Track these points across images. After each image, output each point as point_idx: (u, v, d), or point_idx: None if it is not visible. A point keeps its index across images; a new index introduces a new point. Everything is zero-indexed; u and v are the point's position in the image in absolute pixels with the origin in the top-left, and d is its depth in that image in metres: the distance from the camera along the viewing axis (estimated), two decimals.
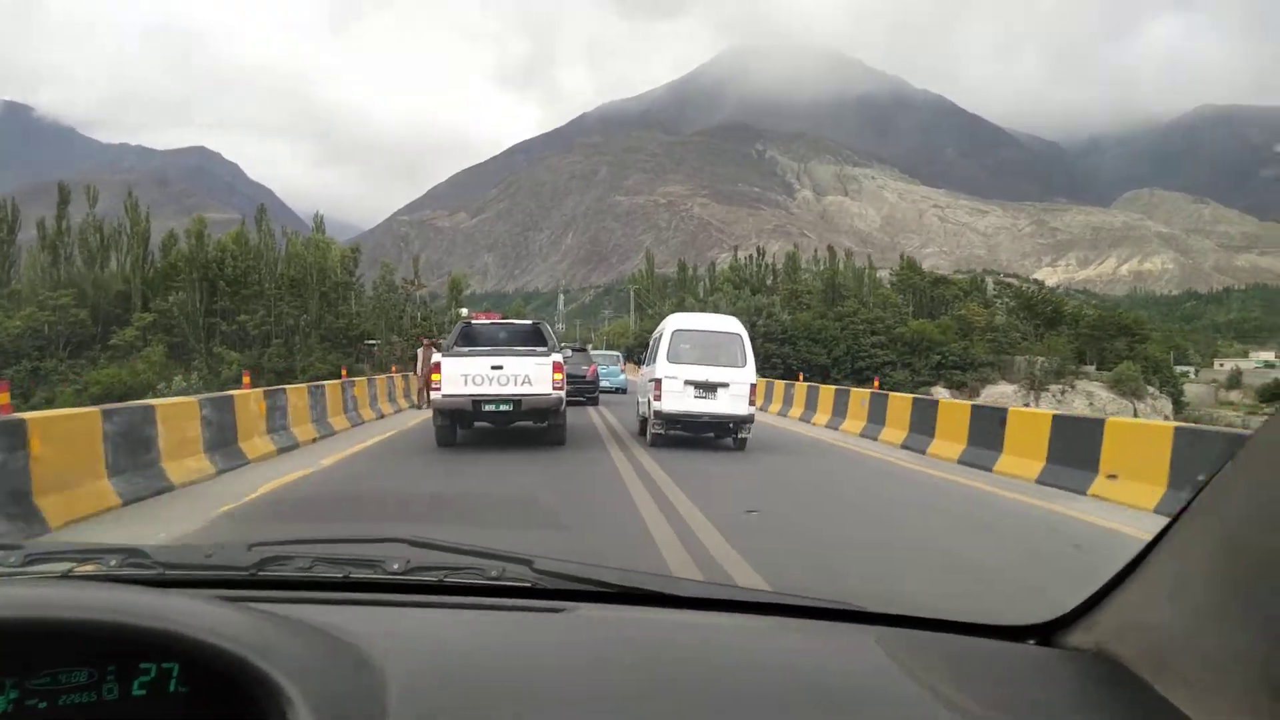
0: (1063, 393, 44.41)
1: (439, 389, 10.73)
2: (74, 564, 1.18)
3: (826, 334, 47.41)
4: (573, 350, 21.42)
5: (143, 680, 0.74)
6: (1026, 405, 35.03)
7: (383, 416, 16.52)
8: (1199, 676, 0.80)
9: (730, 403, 11.53)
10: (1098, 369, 49.40)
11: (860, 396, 16.65)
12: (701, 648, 1.07)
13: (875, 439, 14.52)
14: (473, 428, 12.16)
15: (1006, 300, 58.76)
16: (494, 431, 12.56)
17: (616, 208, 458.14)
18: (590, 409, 19.46)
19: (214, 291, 40.68)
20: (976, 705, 0.88)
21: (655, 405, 11.70)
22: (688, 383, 11.57)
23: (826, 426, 16.90)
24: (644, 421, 12.83)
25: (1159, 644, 0.87)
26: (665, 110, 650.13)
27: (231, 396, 9.98)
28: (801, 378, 27.23)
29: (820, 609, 1.23)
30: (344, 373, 17.90)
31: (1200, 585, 0.82)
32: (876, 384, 26.26)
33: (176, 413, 8.49)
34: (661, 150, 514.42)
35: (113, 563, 1.17)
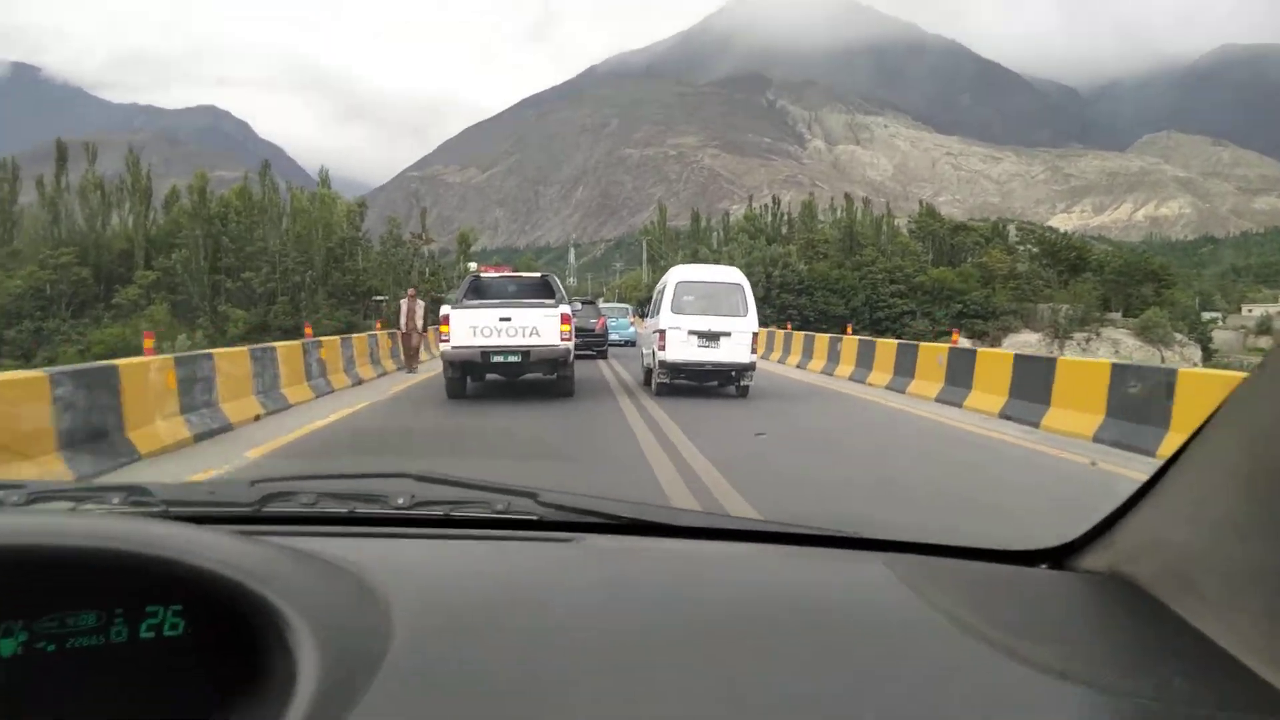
0: (1087, 341, 43.20)
1: (448, 340, 10.74)
2: (76, 502, 1.17)
3: (844, 284, 46.18)
4: (581, 304, 21.09)
5: (150, 623, 0.74)
6: (1051, 355, 34.03)
7: (360, 383, 14.45)
8: (1218, 594, 0.79)
9: (732, 351, 11.84)
10: (1124, 316, 48.09)
11: (850, 344, 17.66)
12: (710, 576, 1.07)
13: (863, 381, 15.46)
14: (484, 380, 12.15)
15: (1029, 247, 57.06)
16: (503, 385, 12.49)
17: (627, 160, 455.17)
18: (599, 362, 19.37)
19: (218, 248, 39.86)
20: (990, 628, 0.87)
21: (659, 355, 11.97)
22: (691, 332, 11.79)
23: (844, 377, 16.88)
24: (649, 372, 13.08)
25: (1176, 563, 0.87)
26: (675, 61, 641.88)
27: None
28: (789, 327, 27.27)
29: (828, 537, 1.23)
30: (308, 331, 15.99)
31: (1219, 502, 0.81)
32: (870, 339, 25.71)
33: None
34: (672, 101, 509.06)
35: (115, 500, 1.16)
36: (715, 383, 12.59)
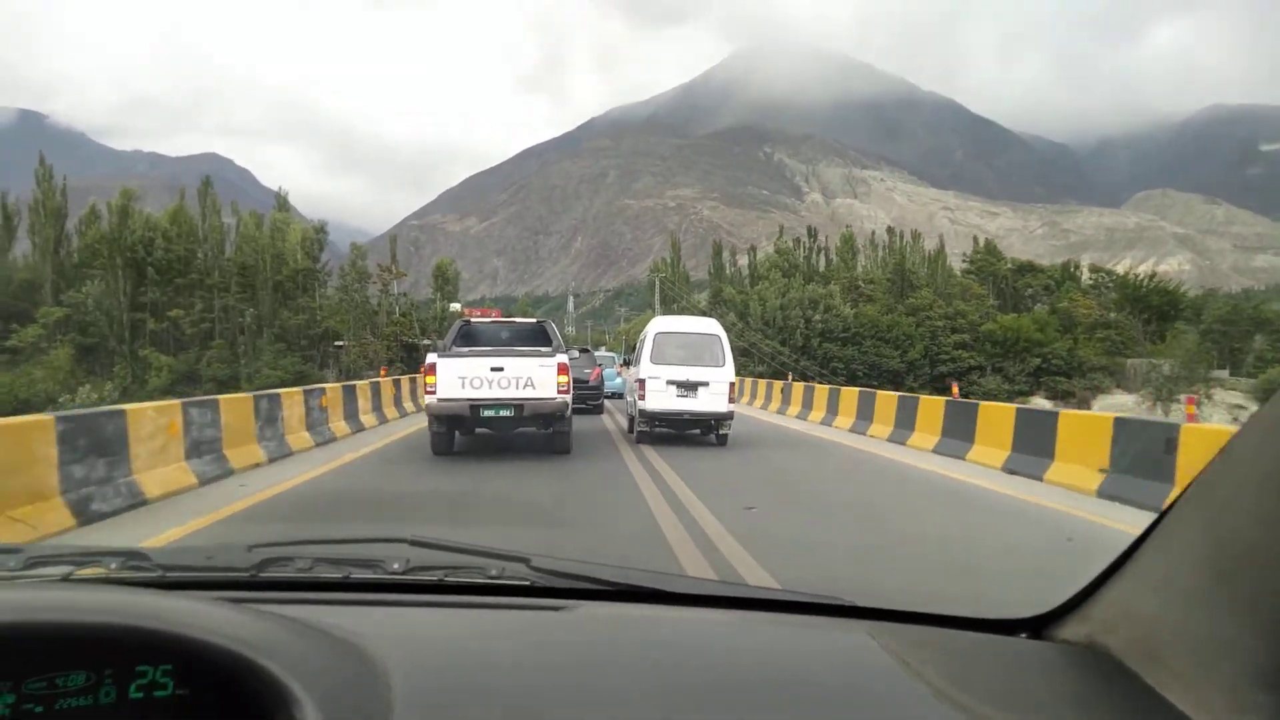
0: (1197, 405, 35.59)
1: (434, 392, 10.07)
2: (73, 567, 1.19)
3: (898, 332, 38.71)
4: (577, 352, 19.17)
5: (140, 683, 0.74)
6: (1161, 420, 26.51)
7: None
8: (1188, 668, 0.80)
9: (710, 400, 12.14)
10: (1230, 373, 40.40)
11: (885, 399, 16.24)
12: (698, 643, 1.09)
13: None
14: (473, 434, 11.52)
15: (1105, 291, 49.58)
16: (494, 438, 11.81)
17: (626, 211, 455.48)
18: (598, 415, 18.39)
19: (141, 280, 32.56)
20: (970, 698, 0.89)
21: (640, 404, 12.29)
22: (670, 382, 12.14)
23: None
24: (632, 420, 13.28)
25: (1149, 636, 0.88)
26: (674, 114, 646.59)
27: None
28: (790, 378, 25.87)
29: (814, 604, 1.26)
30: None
31: (1189, 577, 0.83)
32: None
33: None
34: (670, 153, 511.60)
35: (113, 565, 1.19)
36: (697, 431, 12.82)
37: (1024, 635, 1.10)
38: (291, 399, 11.45)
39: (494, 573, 1.26)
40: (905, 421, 14.04)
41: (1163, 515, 0.89)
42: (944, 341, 38.92)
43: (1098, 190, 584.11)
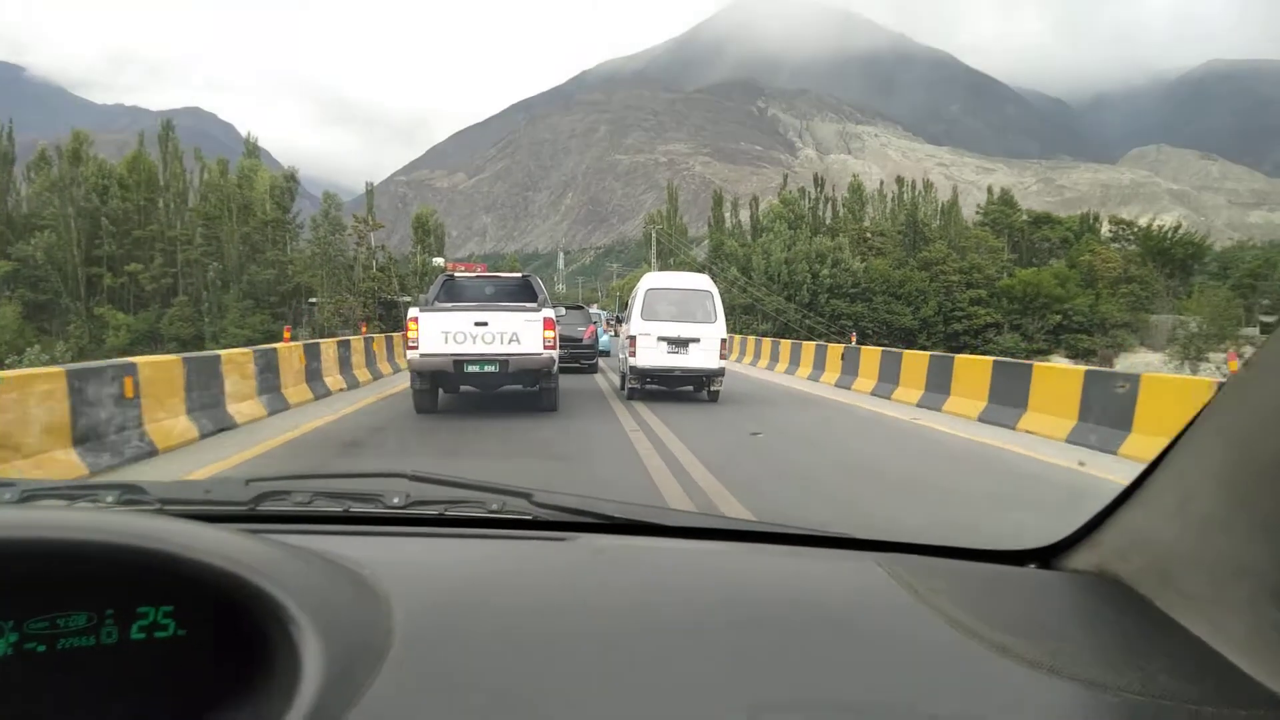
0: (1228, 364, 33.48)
1: (415, 347, 9.82)
2: (69, 500, 1.19)
3: (911, 287, 36.31)
4: (566, 309, 18.05)
5: (141, 624, 0.74)
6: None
7: None
8: (1202, 591, 0.81)
9: (701, 357, 12.16)
10: (1261, 331, 38.37)
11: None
12: (703, 574, 1.08)
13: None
14: (458, 391, 11.33)
15: (1124, 244, 47.13)
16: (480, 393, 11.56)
17: (617, 166, 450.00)
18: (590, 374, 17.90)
19: (96, 232, 29.95)
20: (980, 625, 0.89)
21: (630, 361, 12.35)
22: (660, 339, 12.13)
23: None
24: (623, 377, 13.33)
25: (1161, 561, 0.89)
26: (666, 68, 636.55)
27: None
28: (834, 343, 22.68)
29: (820, 537, 1.25)
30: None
31: (1204, 500, 0.83)
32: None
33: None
34: (662, 108, 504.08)
35: (109, 499, 1.18)
36: (689, 388, 12.81)
37: (1034, 565, 1.10)
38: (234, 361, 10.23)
39: (495, 507, 1.25)
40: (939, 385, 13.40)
41: (1176, 440, 0.89)
42: (959, 297, 36.61)
43: (1093, 146, 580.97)
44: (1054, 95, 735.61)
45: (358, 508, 1.25)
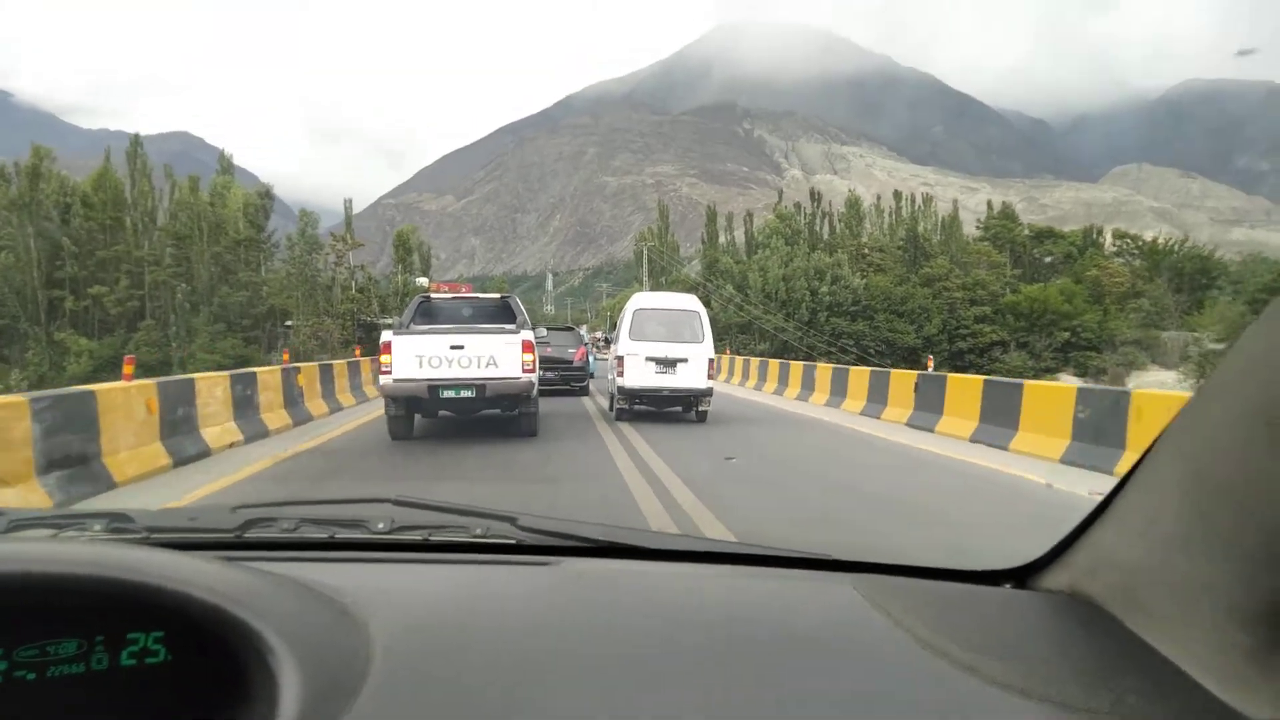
0: None
1: (389, 372, 9.50)
2: (57, 530, 1.19)
3: (913, 304, 34.95)
4: (557, 330, 18.30)
5: (131, 650, 0.74)
6: None
7: None
8: (1169, 610, 0.81)
9: (689, 377, 12.11)
10: None
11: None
12: (685, 597, 1.10)
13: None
14: (436, 416, 11.00)
15: (1129, 259, 46.00)
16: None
17: (605, 188, 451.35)
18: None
19: (58, 253, 28.33)
20: (954, 646, 0.90)
21: (619, 381, 12.30)
22: (649, 359, 12.07)
23: None
24: (611, 398, 13.28)
25: (1129, 581, 0.90)
26: (653, 91, 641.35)
27: None
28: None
29: (797, 559, 1.26)
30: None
31: (1169, 519, 0.83)
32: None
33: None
34: (649, 130, 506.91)
35: (97, 528, 1.20)
36: (679, 408, 12.73)
37: (1008, 585, 1.11)
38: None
39: (479, 531, 1.26)
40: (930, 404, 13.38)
41: (1143, 459, 0.89)
42: (964, 315, 35.33)
43: (1074, 165, 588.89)
44: (1035, 116, 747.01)
45: (343, 534, 1.25)
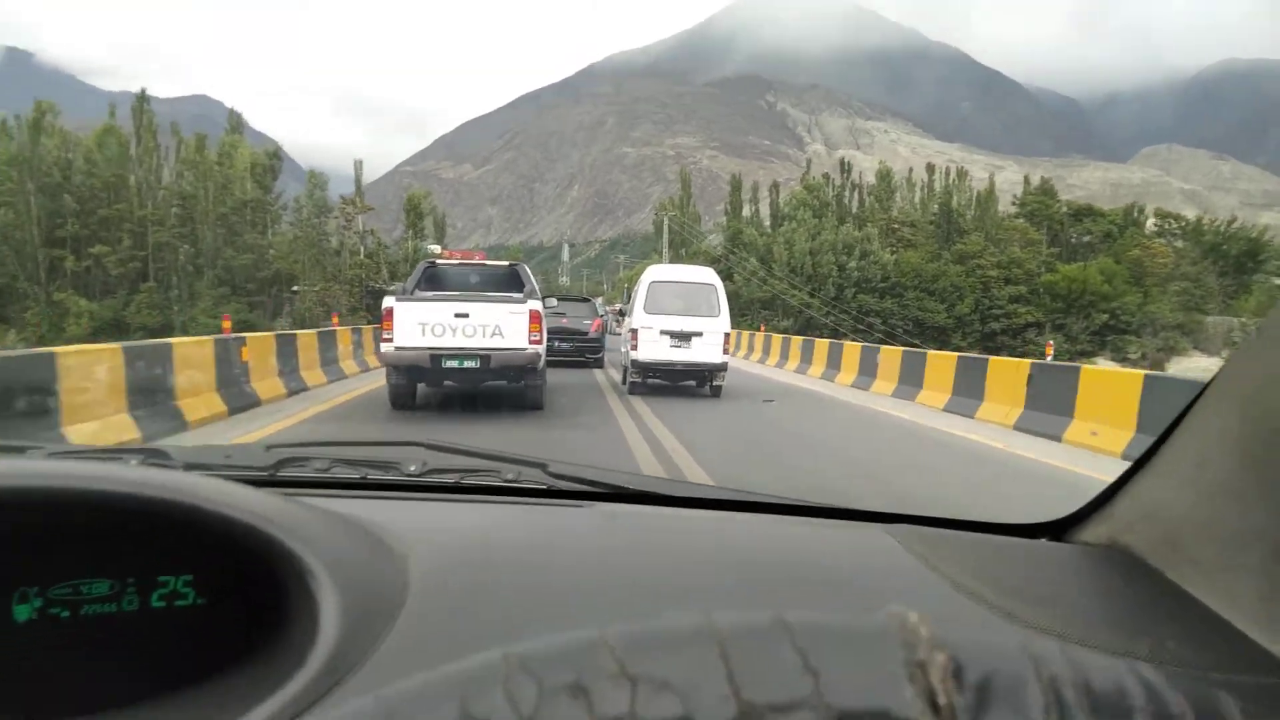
0: None
1: (390, 339, 9.23)
2: (95, 461, 1.20)
3: (945, 282, 33.41)
4: (572, 301, 18.45)
5: (161, 593, 0.76)
6: None
7: None
8: (1213, 559, 0.81)
9: (704, 351, 11.99)
10: None
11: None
12: (719, 541, 1.10)
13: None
14: (441, 386, 10.60)
15: (1170, 240, 44.13)
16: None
17: (624, 159, 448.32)
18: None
19: (58, 211, 27.40)
20: (992, 593, 0.89)
21: (632, 354, 12.22)
22: (663, 332, 11.96)
23: None
24: (625, 370, 13.17)
25: (1172, 531, 0.89)
26: (675, 61, 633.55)
27: None
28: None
29: (833, 509, 1.27)
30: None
31: (1215, 468, 0.83)
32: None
33: None
34: (670, 101, 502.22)
35: (134, 462, 1.20)
36: (692, 382, 12.59)
37: (1046, 538, 1.11)
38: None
39: (510, 476, 1.28)
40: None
41: (1185, 411, 0.88)
42: (998, 294, 33.69)
43: (1104, 145, 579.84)
44: (1066, 94, 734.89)
45: (375, 474, 1.27)
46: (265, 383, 10.81)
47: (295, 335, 12.78)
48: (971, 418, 11.24)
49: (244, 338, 10.74)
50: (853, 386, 15.58)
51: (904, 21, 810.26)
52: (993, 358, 13.01)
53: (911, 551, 1.00)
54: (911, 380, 13.83)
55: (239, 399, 9.79)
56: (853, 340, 22.36)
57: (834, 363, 17.50)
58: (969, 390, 11.93)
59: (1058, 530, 1.09)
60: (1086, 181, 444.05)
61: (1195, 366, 30.57)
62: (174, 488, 0.72)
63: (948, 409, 12.12)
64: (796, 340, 21.04)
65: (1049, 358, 15.06)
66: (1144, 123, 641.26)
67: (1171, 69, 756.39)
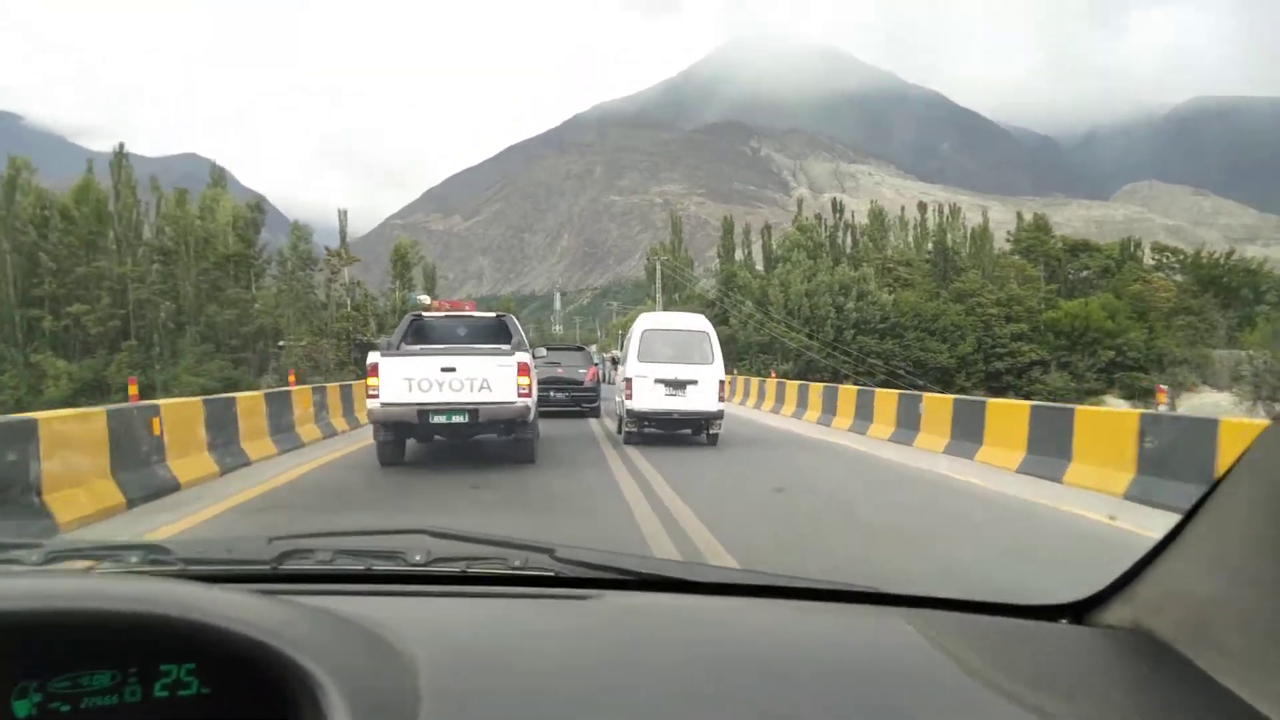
0: None
1: (376, 396, 9.16)
2: (94, 561, 1.20)
3: (945, 321, 32.72)
4: (556, 350, 17.79)
5: (164, 682, 0.74)
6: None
7: None
8: (1242, 649, 0.77)
9: (700, 399, 11.89)
10: None
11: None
12: (729, 631, 1.08)
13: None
14: (431, 440, 10.51)
15: (1169, 273, 43.77)
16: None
17: (612, 207, 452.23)
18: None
19: (34, 270, 26.60)
20: (1015, 684, 0.88)
21: (627, 404, 12.06)
22: (658, 381, 11.85)
23: None
24: (620, 420, 13.01)
25: (1198, 618, 0.86)
26: (659, 109, 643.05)
27: None
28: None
29: (847, 592, 1.23)
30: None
31: (1240, 555, 0.80)
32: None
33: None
34: (656, 149, 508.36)
35: (134, 559, 1.19)
36: (687, 431, 12.52)
37: (1066, 620, 1.08)
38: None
39: (517, 563, 1.25)
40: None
41: (1209, 493, 0.86)
42: (999, 332, 33.05)
43: (1085, 182, 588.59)
44: (1044, 133, 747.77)
45: (380, 566, 1.25)
46: (188, 460, 8.90)
47: (234, 399, 11.04)
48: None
49: (157, 405, 8.86)
50: (891, 441, 14.14)
51: (880, 64, 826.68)
52: (990, 400, 12.65)
53: (933, 642, 0.98)
54: (952, 433, 12.66)
55: (145, 485, 7.88)
56: (851, 384, 21.65)
57: (865, 414, 16.14)
58: (1049, 448, 10.44)
59: (1079, 611, 1.05)
60: (1070, 219, 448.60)
61: (1207, 403, 29.83)
62: (174, 603, 0.70)
63: (1023, 469, 10.57)
64: (791, 385, 20.67)
65: (1161, 405, 14.46)
66: (1122, 160, 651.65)
67: (1146, 106, 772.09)
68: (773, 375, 25.94)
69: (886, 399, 14.79)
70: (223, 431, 9.94)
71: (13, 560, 1.12)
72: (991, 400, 12.43)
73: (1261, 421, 11.47)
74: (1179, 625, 0.86)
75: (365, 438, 11.39)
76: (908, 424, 13.42)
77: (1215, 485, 0.85)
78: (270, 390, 13.63)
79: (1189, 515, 0.88)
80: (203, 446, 9.35)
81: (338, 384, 15.95)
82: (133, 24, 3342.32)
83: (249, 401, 11.24)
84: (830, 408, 17.11)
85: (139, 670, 0.73)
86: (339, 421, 14.08)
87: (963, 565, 5.32)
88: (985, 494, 8.68)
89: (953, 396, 13.23)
